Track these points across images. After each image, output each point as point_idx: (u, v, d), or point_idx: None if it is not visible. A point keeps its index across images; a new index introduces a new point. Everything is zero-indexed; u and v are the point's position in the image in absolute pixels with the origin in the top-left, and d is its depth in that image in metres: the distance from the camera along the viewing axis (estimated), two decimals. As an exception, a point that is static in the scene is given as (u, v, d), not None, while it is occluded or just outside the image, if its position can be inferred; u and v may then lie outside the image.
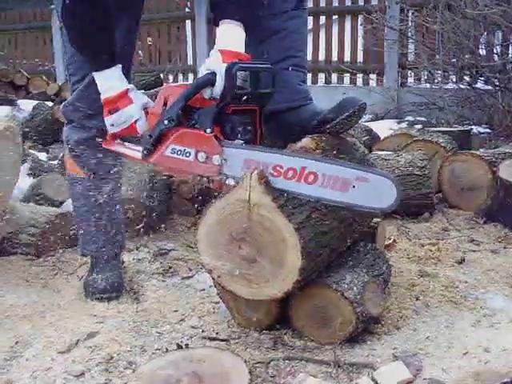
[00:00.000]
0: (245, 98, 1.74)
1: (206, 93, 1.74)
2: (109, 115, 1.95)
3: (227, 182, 1.73)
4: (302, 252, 1.59)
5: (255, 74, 1.75)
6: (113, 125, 1.96)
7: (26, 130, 4.80)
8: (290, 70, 2.01)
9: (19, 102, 6.15)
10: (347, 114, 1.83)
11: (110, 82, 1.94)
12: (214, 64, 1.75)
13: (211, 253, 1.71)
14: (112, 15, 1.93)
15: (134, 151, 1.95)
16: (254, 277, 1.67)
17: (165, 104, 1.81)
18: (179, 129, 1.76)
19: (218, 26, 1.86)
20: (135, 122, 1.93)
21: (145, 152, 1.85)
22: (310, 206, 1.66)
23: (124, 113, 1.93)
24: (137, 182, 2.90)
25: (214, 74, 1.72)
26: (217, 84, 1.72)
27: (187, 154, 1.75)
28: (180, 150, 1.76)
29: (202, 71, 1.77)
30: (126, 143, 2.01)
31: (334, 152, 1.83)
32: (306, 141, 1.80)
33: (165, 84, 1.91)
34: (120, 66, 1.96)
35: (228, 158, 1.70)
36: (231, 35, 1.83)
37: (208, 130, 1.71)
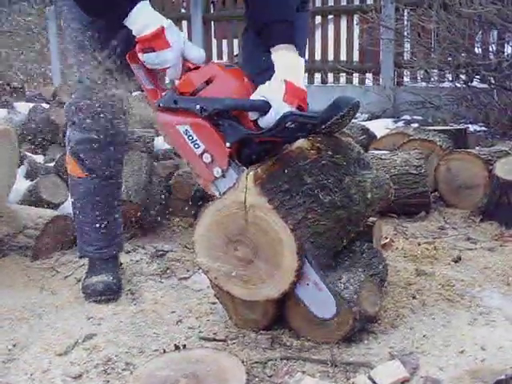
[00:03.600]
0: (280, 136, 1.72)
1: (253, 115, 1.71)
2: (144, 52, 1.76)
3: (213, 190, 1.73)
4: (298, 253, 1.59)
5: (301, 123, 1.72)
6: (146, 62, 1.78)
7: (23, 132, 4.79)
8: None
9: (15, 104, 6.14)
10: (341, 113, 1.83)
11: (141, 20, 1.73)
12: (274, 96, 1.69)
13: (208, 254, 1.72)
14: None
15: (153, 87, 1.83)
16: (250, 278, 1.68)
17: (207, 82, 1.71)
18: (205, 120, 1.69)
19: (268, 48, 1.79)
20: (168, 67, 1.77)
21: (160, 105, 1.75)
22: (306, 206, 1.67)
23: (159, 56, 1.74)
24: (134, 183, 2.91)
25: (268, 103, 1.68)
26: (265, 118, 1.69)
27: (196, 146, 1.71)
28: (192, 137, 1.71)
29: (261, 92, 1.71)
30: (152, 72, 1.85)
31: (330, 152, 1.83)
32: (301, 142, 1.80)
33: (211, 62, 1.79)
34: (148, 1, 1.76)
35: (226, 177, 1.69)
36: (294, 64, 1.77)
37: (228, 144, 1.68)
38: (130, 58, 1.85)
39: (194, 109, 1.69)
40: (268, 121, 1.68)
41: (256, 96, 1.72)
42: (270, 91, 1.71)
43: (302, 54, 2.07)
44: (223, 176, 1.70)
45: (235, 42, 7.29)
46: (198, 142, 1.71)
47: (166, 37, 1.73)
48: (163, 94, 1.77)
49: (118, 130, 2.17)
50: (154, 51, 1.74)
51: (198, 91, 1.72)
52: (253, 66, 2.04)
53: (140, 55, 1.78)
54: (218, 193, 1.72)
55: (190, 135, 1.71)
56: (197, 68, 1.77)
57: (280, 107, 1.68)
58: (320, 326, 1.75)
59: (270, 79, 1.88)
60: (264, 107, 1.68)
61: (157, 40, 1.72)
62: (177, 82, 1.80)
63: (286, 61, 1.79)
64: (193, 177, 1.84)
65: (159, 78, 1.88)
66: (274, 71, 1.85)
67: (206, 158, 1.71)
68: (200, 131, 1.70)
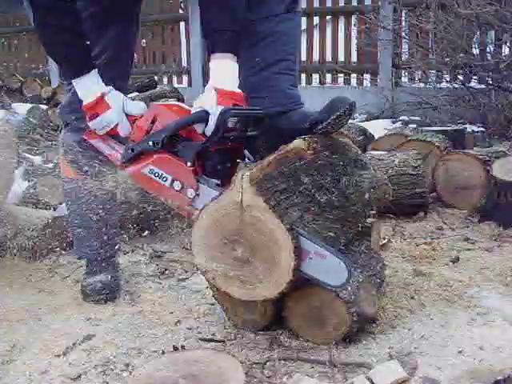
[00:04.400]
0: (231, 138, 1.79)
1: (199, 129, 1.77)
2: (90, 120, 1.96)
3: (195, 212, 1.77)
4: (294, 252, 1.59)
5: (245, 118, 1.81)
6: (95, 129, 1.98)
7: (21, 133, 4.79)
8: (281, 74, 2.01)
9: (14, 105, 6.14)
10: (338, 113, 1.84)
11: (86, 88, 1.94)
12: (208, 103, 1.76)
13: (205, 254, 1.72)
14: (81, 21, 1.93)
15: (113, 152, 1.98)
16: (247, 278, 1.68)
17: (152, 122, 1.84)
18: (162, 152, 1.80)
19: (210, 55, 1.85)
20: (116, 125, 1.95)
21: (123, 160, 1.88)
22: (302, 206, 1.67)
23: (104, 118, 1.94)
24: (131, 183, 2.90)
25: (207, 112, 1.75)
26: (208, 125, 1.75)
27: (164, 179, 1.81)
28: (158, 173, 1.81)
29: (196, 106, 1.79)
30: (109, 139, 2.01)
31: (326, 153, 1.83)
32: (297, 142, 1.80)
33: (151, 104, 1.92)
34: (96, 70, 1.95)
35: (200, 194, 1.75)
36: (225, 71, 1.82)
37: (189, 164, 1.75)
38: (87, 135, 2.04)
39: (148, 147, 1.80)
40: (210, 127, 1.75)
41: (193, 110, 1.79)
42: (204, 100, 1.78)
43: (294, 57, 2.07)
44: (197, 195, 1.76)
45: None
46: (163, 174, 1.80)
47: (105, 101, 1.93)
48: (121, 155, 1.91)
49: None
50: (98, 116, 1.93)
51: (148, 132, 1.83)
52: (245, 69, 2.05)
53: (89, 124, 1.96)
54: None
55: (156, 172, 1.81)
56: (141, 116, 1.90)
57: (215, 111, 1.73)
58: (318, 326, 1.75)
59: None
60: (203, 117, 1.76)
61: (99, 105, 1.93)
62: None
63: (219, 69, 1.82)
64: (176, 212, 1.92)
65: (116, 143, 2.00)
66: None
67: (177, 185, 1.79)
68: (162, 164, 1.80)
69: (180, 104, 1.93)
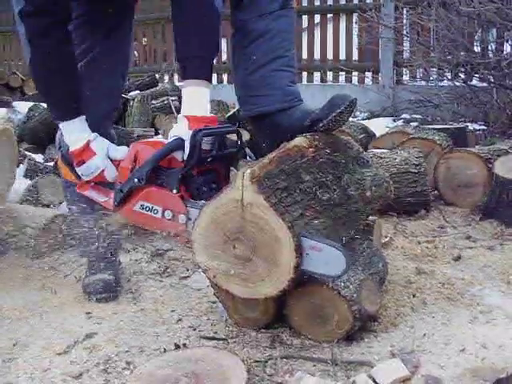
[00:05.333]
0: (210, 159, 1.83)
1: (178, 156, 1.80)
2: (78, 166, 1.99)
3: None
4: (295, 250, 1.59)
5: (220, 137, 1.84)
6: (83, 175, 2.01)
7: (22, 131, 4.79)
8: (279, 71, 2.01)
9: (15, 103, 6.13)
10: (339, 111, 1.84)
11: (73, 135, 1.98)
12: (181, 130, 1.80)
13: (206, 252, 1.72)
14: (76, 65, 1.97)
15: (107, 199, 2.01)
16: (249, 276, 1.67)
17: (135, 160, 1.88)
18: (148, 187, 1.83)
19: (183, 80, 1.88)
20: (102, 171, 1.98)
21: (115, 204, 1.92)
22: (304, 204, 1.67)
23: (90, 165, 1.98)
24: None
25: (182, 139, 1.78)
26: (185, 151, 1.78)
27: (155, 211, 1.84)
28: (148, 207, 1.85)
29: (171, 135, 1.83)
30: (99, 188, 2.05)
31: (328, 150, 1.83)
32: (299, 140, 1.80)
33: (131, 144, 1.96)
34: (84, 116, 1.98)
35: (192, 218, 1.76)
36: (196, 99, 1.84)
37: (174, 191, 1.79)
38: (79, 188, 2.08)
39: (134, 184, 1.85)
40: (186, 153, 1.78)
41: (169, 140, 1.83)
42: (177, 129, 1.82)
43: (291, 54, 2.06)
44: (189, 219, 1.78)
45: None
46: (154, 207, 1.84)
47: (91, 148, 1.97)
48: (112, 199, 1.95)
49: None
50: (84, 163, 1.98)
51: (132, 171, 1.88)
52: (242, 69, 2.05)
53: (76, 169, 2.00)
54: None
55: (146, 206, 1.85)
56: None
57: (188, 135, 1.77)
58: (320, 324, 1.75)
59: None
60: (179, 144, 1.79)
61: (85, 152, 1.97)
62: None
63: (191, 98, 1.85)
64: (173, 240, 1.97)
65: (107, 190, 2.03)
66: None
67: (168, 214, 1.82)
68: (150, 197, 1.84)
69: (159, 140, 2.00)
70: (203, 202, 1.75)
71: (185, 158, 1.79)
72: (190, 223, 1.77)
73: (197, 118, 1.80)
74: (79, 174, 2.02)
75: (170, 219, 1.81)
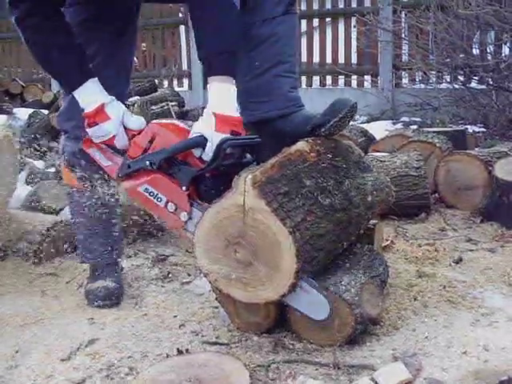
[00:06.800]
0: (228, 165, 1.82)
1: (196, 153, 1.80)
2: (88, 127, 1.96)
3: (188, 234, 1.81)
4: (296, 255, 1.59)
5: (242, 147, 1.84)
6: (92, 136, 1.98)
7: (23, 138, 4.80)
8: (281, 76, 2.01)
9: (15, 110, 6.15)
10: (340, 116, 1.84)
11: (87, 97, 1.93)
12: (206, 129, 1.78)
13: (208, 256, 1.72)
14: (73, 33, 1.94)
15: (110, 164, 1.99)
16: (250, 280, 1.68)
17: (151, 141, 1.86)
18: (158, 173, 1.83)
19: (207, 78, 1.85)
20: (113, 136, 1.96)
21: (120, 175, 1.91)
22: (305, 209, 1.67)
23: (102, 128, 1.94)
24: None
25: (205, 138, 1.77)
26: (206, 151, 1.78)
27: (159, 199, 1.84)
28: (153, 193, 1.85)
29: (196, 131, 1.81)
30: (106, 150, 2.01)
31: (329, 155, 1.84)
32: (300, 144, 1.81)
33: (150, 123, 1.94)
34: (95, 79, 1.95)
35: (193, 217, 1.77)
36: (225, 96, 1.83)
37: (184, 188, 1.78)
38: (84, 144, 2.04)
39: (145, 166, 1.84)
40: (208, 153, 1.77)
41: (192, 134, 1.82)
42: (202, 126, 1.80)
43: (294, 59, 2.07)
44: (190, 218, 1.79)
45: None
46: (159, 195, 1.84)
47: (106, 111, 1.93)
48: (118, 169, 1.94)
49: None
50: (97, 125, 1.93)
51: (146, 151, 1.86)
52: (244, 74, 2.05)
53: (87, 130, 1.96)
54: (191, 235, 1.78)
55: (151, 191, 1.85)
56: (140, 133, 1.92)
57: (214, 137, 1.76)
58: (322, 328, 1.75)
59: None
60: (201, 142, 1.78)
61: (98, 115, 1.93)
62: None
63: (218, 93, 1.83)
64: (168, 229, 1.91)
65: (113, 154, 2.01)
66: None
67: (171, 207, 1.82)
68: (157, 185, 1.84)
69: (175, 122, 1.95)
70: (208, 205, 1.74)
71: (203, 157, 1.78)
72: (191, 222, 1.77)
73: (224, 119, 1.78)
74: (89, 133, 1.97)
75: (171, 212, 1.81)
